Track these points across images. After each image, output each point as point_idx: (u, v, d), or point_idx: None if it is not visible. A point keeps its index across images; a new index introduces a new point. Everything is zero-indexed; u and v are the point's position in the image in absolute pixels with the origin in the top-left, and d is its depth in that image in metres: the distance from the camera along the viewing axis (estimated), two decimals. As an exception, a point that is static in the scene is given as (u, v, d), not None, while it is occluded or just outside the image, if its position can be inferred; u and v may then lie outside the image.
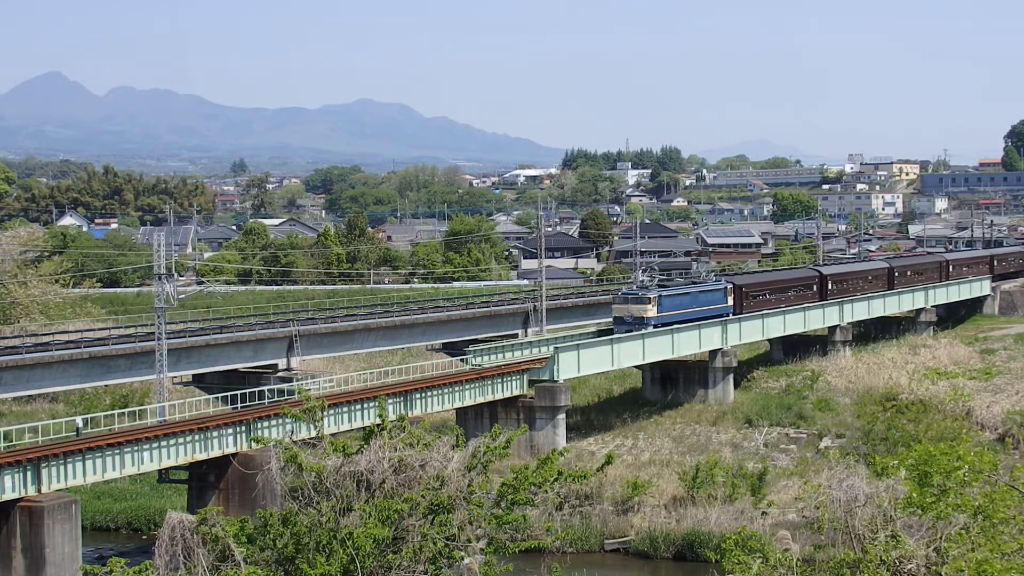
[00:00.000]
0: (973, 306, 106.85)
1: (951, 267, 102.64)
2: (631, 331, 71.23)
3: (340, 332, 77.96)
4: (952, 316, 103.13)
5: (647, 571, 53.81)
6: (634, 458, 63.84)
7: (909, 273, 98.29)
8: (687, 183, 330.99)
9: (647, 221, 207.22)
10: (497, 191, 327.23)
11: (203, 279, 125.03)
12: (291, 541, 26.96)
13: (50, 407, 77.86)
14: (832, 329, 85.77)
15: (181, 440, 48.30)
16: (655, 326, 72.40)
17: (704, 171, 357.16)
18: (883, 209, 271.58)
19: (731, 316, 77.06)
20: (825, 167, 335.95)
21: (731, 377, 74.94)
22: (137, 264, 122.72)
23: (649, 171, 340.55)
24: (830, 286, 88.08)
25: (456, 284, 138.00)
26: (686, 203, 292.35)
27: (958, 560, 25.01)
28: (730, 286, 79.04)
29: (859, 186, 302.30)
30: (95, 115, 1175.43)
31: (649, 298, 72.79)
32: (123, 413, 52.28)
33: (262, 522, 27.65)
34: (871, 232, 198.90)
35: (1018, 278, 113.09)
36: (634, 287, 78.12)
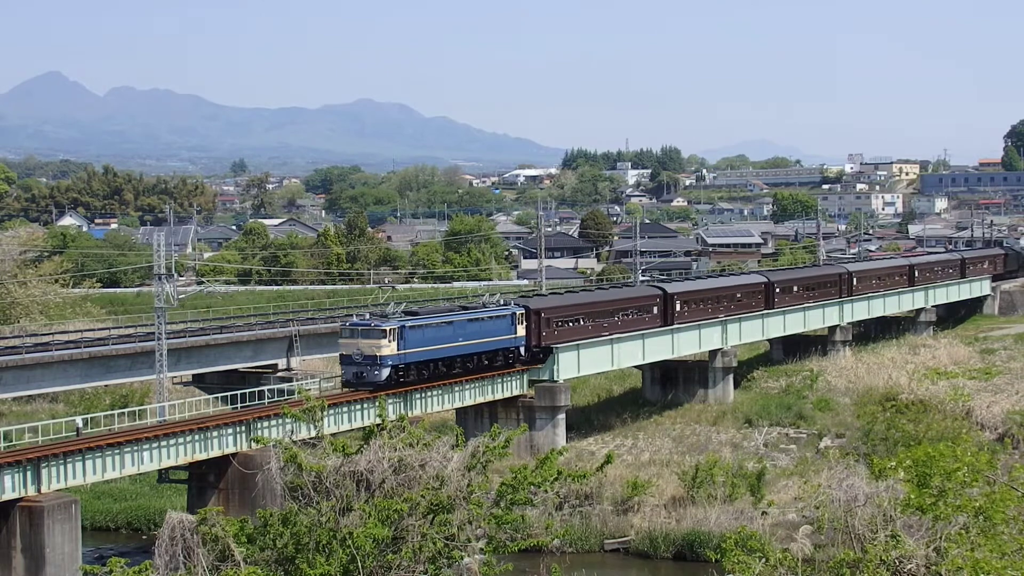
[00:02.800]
0: (973, 306, 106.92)
1: (855, 279, 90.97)
2: (361, 376, 55.93)
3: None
4: (952, 316, 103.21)
5: (647, 571, 53.80)
6: (634, 458, 63.84)
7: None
8: (687, 183, 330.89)
9: (647, 221, 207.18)
10: (497, 191, 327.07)
11: (203, 279, 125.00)
12: (291, 541, 26.96)
13: (50, 407, 77.85)
14: (832, 329, 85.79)
15: (181, 440, 48.30)
16: (394, 368, 56.26)
17: (704, 171, 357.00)
18: (883, 209, 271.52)
19: (522, 351, 63.69)
20: (825, 167, 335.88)
21: (731, 377, 74.96)
22: (137, 264, 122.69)
23: (649, 171, 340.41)
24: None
25: (456, 284, 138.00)
26: (686, 203, 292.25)
27: (956, 560, 24.99)
28: (520, 312, 63.59)
29: (859, 186, 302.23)
30: (95, 115, 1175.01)
31: (384, 331, 56.25)
32: (123, 413, 52.29)
33: (262, 522, 27.65)
34: (871, 232, 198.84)
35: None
36: (367, 315, 61.72)
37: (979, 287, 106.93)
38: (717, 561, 29.08)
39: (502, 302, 65.30)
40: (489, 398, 62.83)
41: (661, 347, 71.14)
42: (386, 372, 55.58)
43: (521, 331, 63.66)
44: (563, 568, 30.86)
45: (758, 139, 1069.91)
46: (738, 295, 79.83)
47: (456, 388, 60.73)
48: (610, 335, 68.53)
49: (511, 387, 63.80)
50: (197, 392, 67.10)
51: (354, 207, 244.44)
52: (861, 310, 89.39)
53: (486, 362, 62.36)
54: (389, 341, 55.84)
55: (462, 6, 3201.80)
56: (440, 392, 59.89)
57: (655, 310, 72.72)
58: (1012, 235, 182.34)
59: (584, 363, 66.68)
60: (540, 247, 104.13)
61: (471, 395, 61.72)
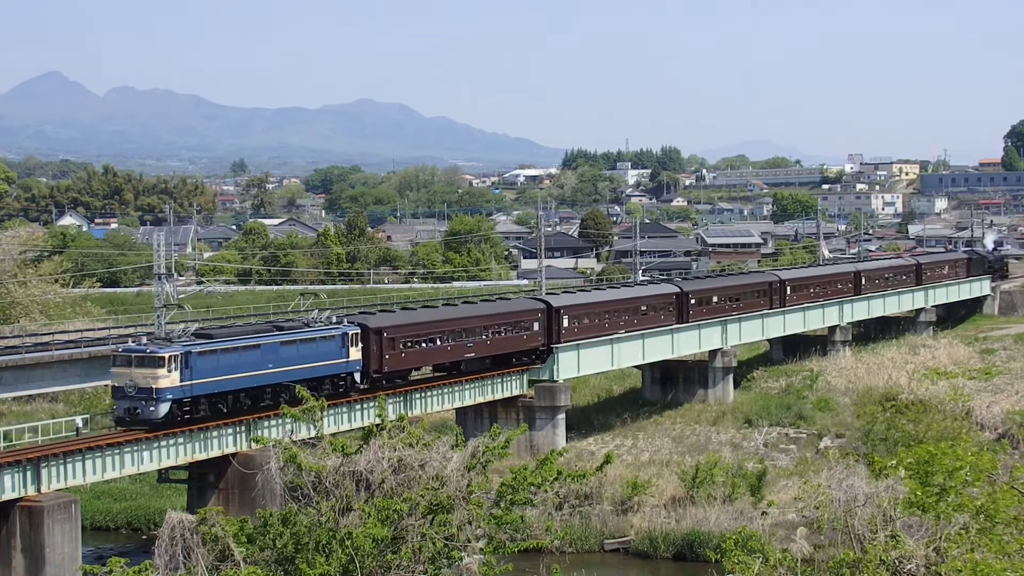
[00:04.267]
0: (973, 306, 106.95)
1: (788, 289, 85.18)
2: (135, 412, 46.95)
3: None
4: (952, 316, 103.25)
5: (647, 571, 53.79)
6: (634, 458, 63.84)
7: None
8: (687, 183, 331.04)
9: (647, 221, 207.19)
10: (497, 191, 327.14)
11: (203, 279, 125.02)
12: (291, 541, 26.96)
13: (50, 407, 77.80)
14: (832, 329, 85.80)
15: (181, 440, 48.27)
16: (177, 403, 47.41)
17: (704, 171, 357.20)
18: (883, 209, 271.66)
19: (358, 378, 54.76)
20: (825, 167, 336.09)
21: (731, 377, 74.97)
22: (137, 264, 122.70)
23: (649, 171, 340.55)
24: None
25: (456, 284, 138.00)
26: (686, 203, 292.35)
27: (956, 562, 25.00)
28: (353, 332, 54.23)
29: (859, 186, 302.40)
30: (95, 115, 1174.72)
31: (162, 358, 47.04)
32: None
33: (262, 522, 27.65)
34: (871, 232, 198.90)
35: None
36: (143, 339, 52.86)
37: (979, 287, 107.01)
38: (717, 561, 29.09)
39: (334, 320, 56.12)
40: (489, 398, 62.82)
41: (661, 347, 71.11)
42: (164, 408, 46.78)
43: (355, 354, 53.97)
44: (563, 568, 30.85)
45: (758, 139, 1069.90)
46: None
47: (456, 388, 60.74)
48: (614, 334, 68.12)
49: (511, 387, 63.79)
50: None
51: (354, 207, 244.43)
52: (861, 310, 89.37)
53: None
54: (169, 370, 46.75)
55: (463, 6, 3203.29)
56: (440, 392, 59.89)
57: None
58: (1012, 235, 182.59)
59: (584, 363, 66.69)
60: (540, 247, 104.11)
61: (471, 395, 61.72)
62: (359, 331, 54.61)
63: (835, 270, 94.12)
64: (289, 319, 57.41)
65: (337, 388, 53.90)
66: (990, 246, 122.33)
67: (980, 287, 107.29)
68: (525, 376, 64.42)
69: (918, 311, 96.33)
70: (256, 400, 50.99)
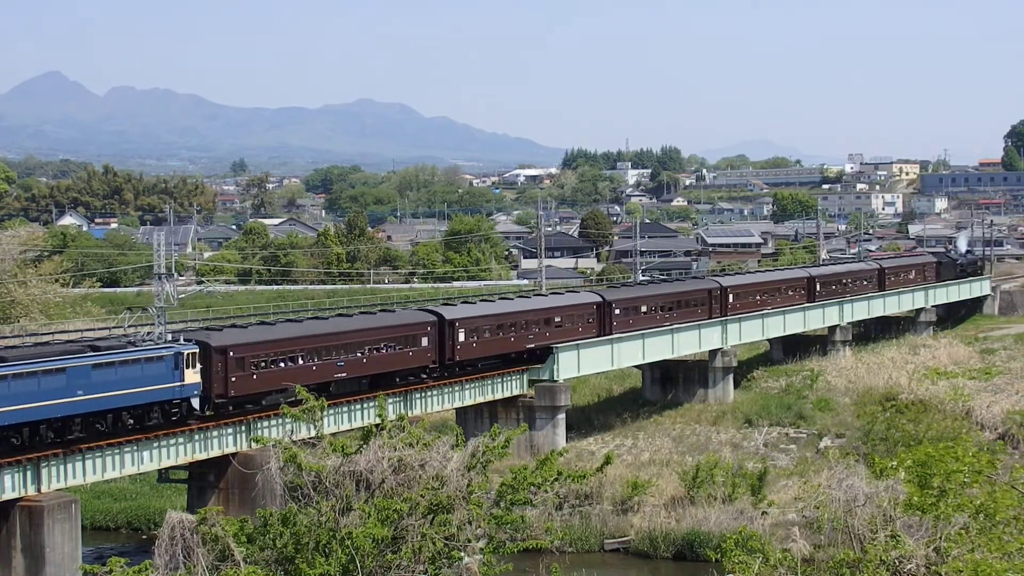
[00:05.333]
0: (973, 306, 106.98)
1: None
2: None
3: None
4: (952, 316, 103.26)
5: (647, 571, 53.78)
6: (634, 458, 63.83)
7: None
8: (687, 183, 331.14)
9: (647, 221, 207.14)
10: (497, 191, 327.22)
11: (203, 279, 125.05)
12: (291, 541, 26.97)
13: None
14: (832, 329, 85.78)
15: (181, 440, 48.26)
16: None
17: (704, 171, 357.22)
18: (883, 209, 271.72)
19: (196, 404, 48.14)
20: (825, 167, 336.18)
21: (731, 377, 74.95)
22: (137, 264, 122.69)
23: (649, 171, 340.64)
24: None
25: (456, 284, 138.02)
26: (686, 203, 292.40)
27: (956, 562, 25.01)
28: (190, 352, 47.44)
29: (859, 186, 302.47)
30: (95, 115, 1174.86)
31: None
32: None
33: (262, 522, 27.66)
34: (871, 232, 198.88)
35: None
36: None
37: (979, 287, 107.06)
38: (717, 561, 29.10)
39: (170, 337, 48.85)
40: (489, 398, 62.80)
41: (661, 347, 71.08)
42: None
43: (193, 377, 47.41)
44: (563, 568, 30.86)
45: (758, 139, 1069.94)
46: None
47: (456, 388, 60.73)
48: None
49: (511, 387, 63.80)
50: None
51: (354, 207, 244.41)
52: (861, 310, 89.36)
53: (132, 422, 46.37)
54: None
55: (463, 6, 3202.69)
56: (440, 392, 59.89)
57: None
58: (1012, 235, 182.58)
59: (584, 363, 66.65)
60: (540, 247, 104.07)
61: (471, 395, 61.71)
62: (197, 350, 47.79)
63: (786, 275, 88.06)
64: (114, 337, 50.52)
65: (169, 416, 47.54)
66: (962, 248, 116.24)
67: (980, 287, 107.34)
68: (525, 376, 64.41)
69: (918, 311, 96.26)
70: (62, 432, 44.24)
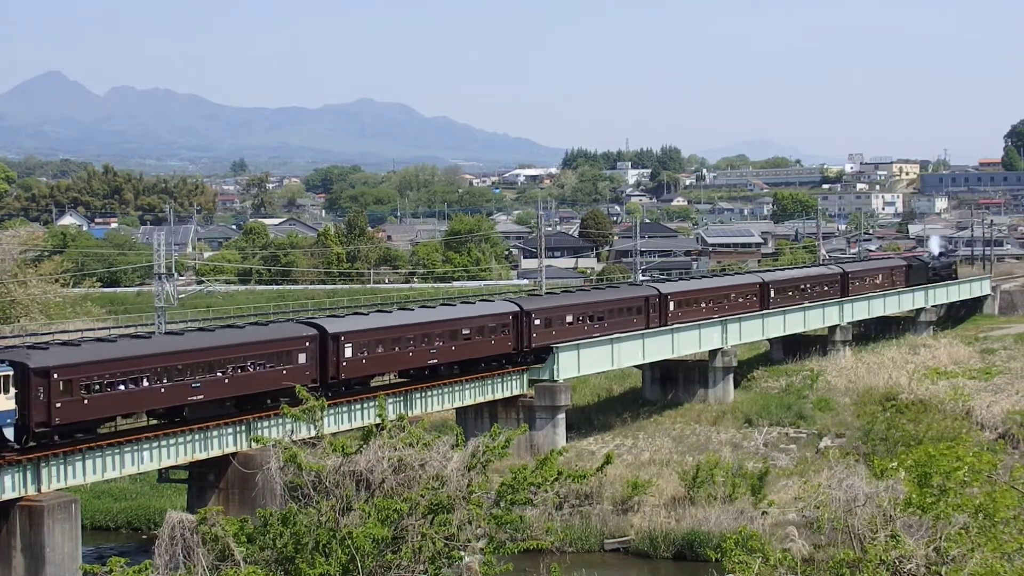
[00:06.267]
0: (973, 306, 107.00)
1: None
2: None
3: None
4: (952, 316, 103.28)
5: (647, 571, 53.79)
6: (634, 458, 63.85)
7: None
8: (687, 183, 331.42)
9: (647, 221, 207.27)
10: (497, 191, 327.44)
11: (203, 279, 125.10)
12: (291, 541, 26.95)
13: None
14: (832, 329, 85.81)
15: (181, 440, 48.28)
16: None
17: (704, 171, 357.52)
18: (883, 209, 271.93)
19: (9, 435, 42.03)
20: (825, 167, 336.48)
21: (731, 377, 74.96)
22: (137, 264, 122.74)
23: (649, 171, 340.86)
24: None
25: (456, 284, 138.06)
26: (686, 203, 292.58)
27: (959, 565, 25.00)
28: (3, 374, 41.85)
29: (859, 186, 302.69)
30: (95, 115, 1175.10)
31: None
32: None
33: (262, 522, 27.64)
34: (871, 232, 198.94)
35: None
36: None
37: (979, 287, 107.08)
38: (717, 561, 29.09)
39: None
40: (489, 398, 62.81)
41: (661, 347, 71.08)
42: None
43: (6, 403, 41.83)
44: (563, 568, 30.86)
45: (758, 139, 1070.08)
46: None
47: (456, 387, 60.75)
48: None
49: (511, 387, 63.81)
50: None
51: (354, 207, 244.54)
52: (861, 310, 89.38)
53: None
54: None
55: (463, 6, 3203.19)
56: (440, 391, 59.90)
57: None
58: (1012, 235, 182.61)
59: (584, 363, 66.65)
60: (540, 247, 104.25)
61: (471, 395, 61.73)
62: (11, 372, 41.98)
63: (736, 281, 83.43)
64: None
65: None
66: (935, 251, 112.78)
67: (980, 287, 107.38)
68: (525, 376, 64.43)
69: (918, 311, 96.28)
70: None
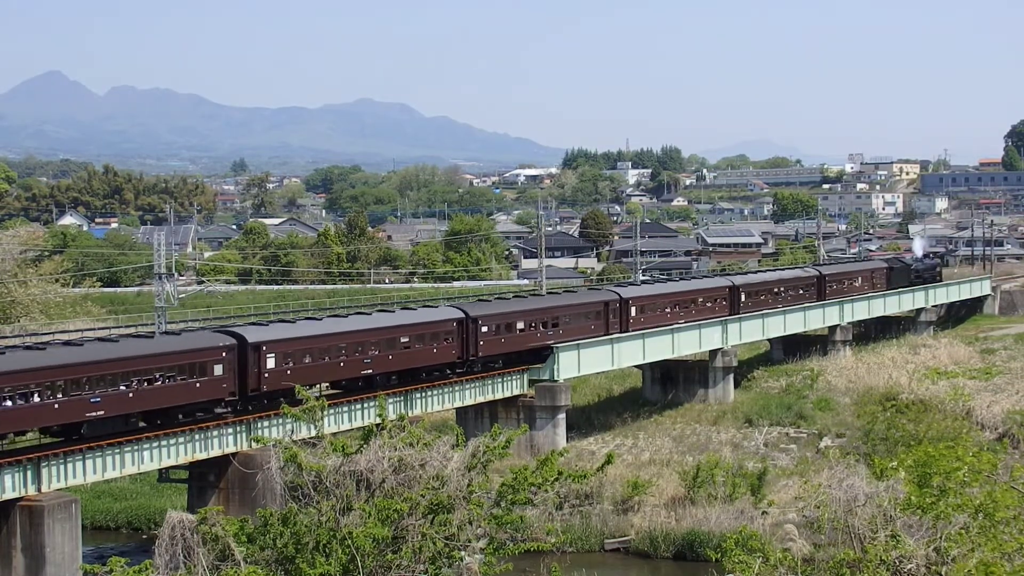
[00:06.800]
0: (973, 306, 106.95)
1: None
2: None
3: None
4: (952, 316, 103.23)
5: (647, 571, 53.80)
6: (634, 458, 63.85)
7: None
8: (687, 183, 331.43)
9: (647, 221, 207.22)
10: (497, 191, 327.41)
11: (203, 278, 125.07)
12: (291, 540, 26.95)
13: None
14: (832, 329, 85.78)
15: (181, 440, 48.28)
16: None
17: (704, 171, 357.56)
18: (883, 209, 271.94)
19: None
20: (825, 167, 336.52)
21: (731, 377, 74.94)
22: (137, 264, 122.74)
23: (649, 171, 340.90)
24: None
25: (456, 284, 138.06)
26: (686, 203, 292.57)
27: (960, 563, 25.00)
28: None
29: (859, 186, 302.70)
30: (95, 115, 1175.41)
31: None
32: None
33: (262, 521, 27.64)
34: (871, 232, 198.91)
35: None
36: None
37: (979, 287, 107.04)
38: (717, 561, 29.10)
39: None
40: (489, 398, 62.81)
41: (661, 347, 71.07)
42: None
43: None
44: (563, 568, 30.85)
45: (758, 139, 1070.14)
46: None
47: (456, 387, 60.75)
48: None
49: (511, 387, 63.81)
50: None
51: (354, 207, 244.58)
52: (861, 310, 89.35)
53: None
54: None
55: (463, 6, 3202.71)
56: (440, 391, 59.90)
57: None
58: (1012, 235, 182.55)
59: (584, 362, 66.64)
60: (540, 247, 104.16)
61: (471, 395, 61.73)
62: None
63: (704, 285, 79.59)
64: None
65: None
66: (919, 253, 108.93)
67: (980, 287, 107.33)
68: (525, 376, 64.43)
69: (918, 311, 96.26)
70: None
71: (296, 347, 51.65)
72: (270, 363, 50.10)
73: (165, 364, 47.08)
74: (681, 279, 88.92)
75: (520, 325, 63.18)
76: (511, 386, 63.77)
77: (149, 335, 52.68)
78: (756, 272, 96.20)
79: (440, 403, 60.18)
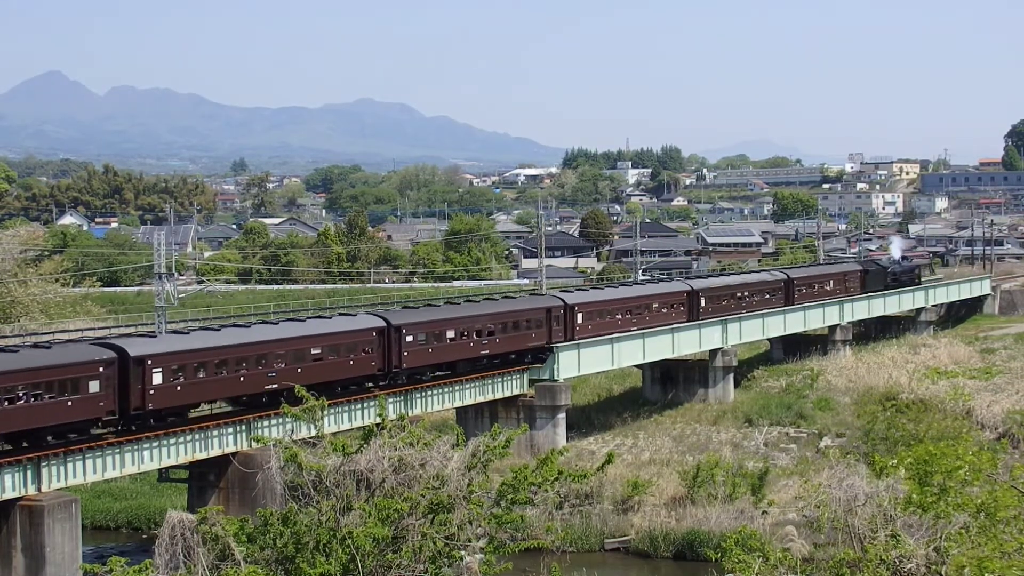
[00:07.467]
0: (973, 306, 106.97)
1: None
2: None
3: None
4: (952, 316, 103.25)
5: (647, 570, 53.79)
6: (634, 457, 63.85)
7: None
8: (687, 182, 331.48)
9: (647, 220, 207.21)
10: (497, 190, 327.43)
11: (203, 278, 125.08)
12: (291, 540, 26.94)
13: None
14: (832, 328, 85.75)
15: (181, 439, 48.27)
16: None
17: (704, 170, 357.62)
18: (883, 208, 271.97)
19: None
20: (825, 166, 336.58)
21: (731, 376, 74.93)
22: (137, 263, 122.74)
23: (649, 170, 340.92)
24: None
25: (456, 283, 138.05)
26: (686, 202, 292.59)
27: (959, 558, 24.99)
28: None
29: (859, 185, 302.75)
30: (95, 115, 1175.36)
31: None
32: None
33: (262, 521, 27.63)
34: (871, 231, 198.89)
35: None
36: None
37: (979, 287, 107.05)
38: (717, 560, 29.09)
39: None
40: (489, 397, 62.83)
41: (661, 347, 71.04)
42: None
43: None
44: (563, 567, 30.86)
45: (758, 139, 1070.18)
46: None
47: (456, 387, 60.75)
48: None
49: (511, 386, 63.82)
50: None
51: (354, 206, 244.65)
52: (861, 310, 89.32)
53: None
54: None
55: (463, 6, 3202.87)
56: (440, 391, 59.89)
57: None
58: (1012, 235, 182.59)
59: (584, 362, 66.64)
60: (540, 246, 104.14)
61: (471, 394, 61.74)
62: None
63: (660, 290, 75.83)
64: None
65: None
66: (896, 255, 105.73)
67: (980, 287, 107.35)
68: (525, 376, 64.44)
69: (918, 311, 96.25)
70: None
71: (187, 360, 47.14)
72: (156, 379, 45.90)
73: (31, 381, 42.39)
74: (636, 283, 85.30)
75: (451, 334, 59.12)
76: (511, 386, 63.79)
77: (14, 348, 46.24)
78: (718, 275, 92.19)
79: (440, 403, 60.19)
